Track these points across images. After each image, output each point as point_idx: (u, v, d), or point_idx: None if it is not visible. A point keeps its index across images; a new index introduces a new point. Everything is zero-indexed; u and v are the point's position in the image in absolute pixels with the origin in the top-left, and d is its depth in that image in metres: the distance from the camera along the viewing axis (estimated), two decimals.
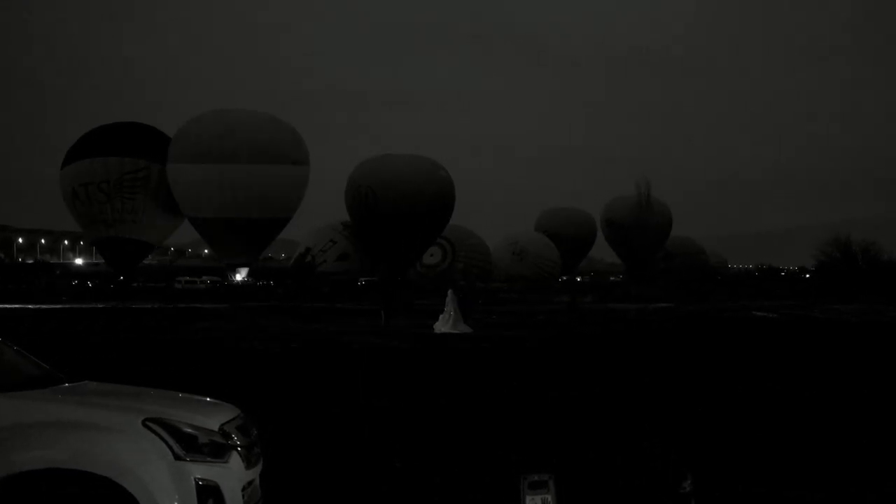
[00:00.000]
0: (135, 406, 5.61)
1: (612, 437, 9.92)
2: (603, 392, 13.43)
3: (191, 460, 5.36)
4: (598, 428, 10.47)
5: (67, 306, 44.54)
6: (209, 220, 76.30)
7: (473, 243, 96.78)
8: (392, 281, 75.74)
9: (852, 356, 19.22)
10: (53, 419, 5.29)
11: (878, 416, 11.46)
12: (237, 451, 5.68)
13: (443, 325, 29.23)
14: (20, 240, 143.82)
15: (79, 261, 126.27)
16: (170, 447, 5.32)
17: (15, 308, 41.44)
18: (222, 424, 5.71)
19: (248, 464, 5.78)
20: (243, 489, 5.64)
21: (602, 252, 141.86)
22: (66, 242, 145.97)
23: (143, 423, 5.34)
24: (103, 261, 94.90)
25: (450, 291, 30.98)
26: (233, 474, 5.57)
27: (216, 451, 5.53)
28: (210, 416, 5.75)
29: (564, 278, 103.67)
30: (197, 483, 5.32)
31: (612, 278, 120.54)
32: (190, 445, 5.40)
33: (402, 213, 78.90)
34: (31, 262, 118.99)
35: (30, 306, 43.32)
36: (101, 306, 44.49)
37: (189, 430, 5.45)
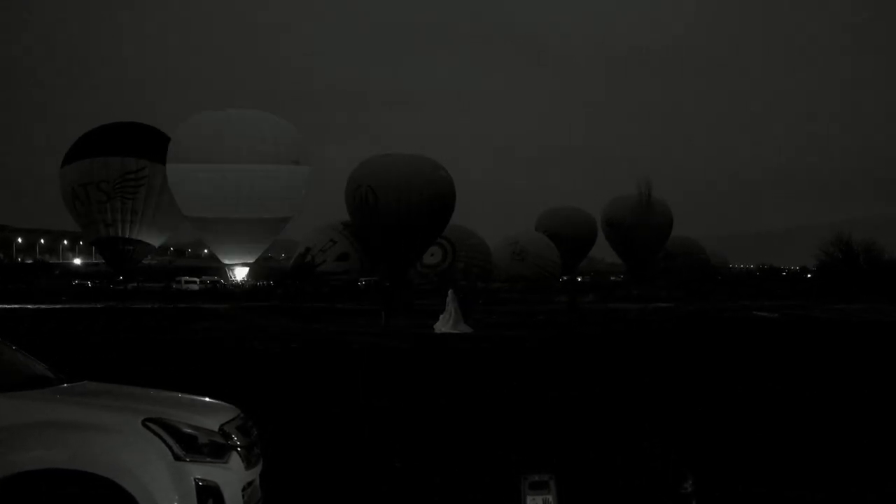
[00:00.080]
0: (134, 406, 5.61)
1: (613, 437, 9.91)
2: (603, 392, 13.43)
3: (190, 461, 5.36)
4: (598, 428, 10.46)
5: (67, 306, 44.52)
6: (209, 220, 76.31)
7: (474, 243, 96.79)
8: (392, 281, 75.76)
9: (853, 356, 19.21)
10: (53, 419, 5.29)
11: (878, 416, 11.46)
12: (237, 451, 5.67)
13: (443, 325, 29.22)
14: (19, 240, 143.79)
15: (77, 261, 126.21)
16: (169, 447, 5.31)
17: (14, 308, 41.42)
18: (222, 425, 5.70)
19: (248, 464, 5.78)
20: (243, 489, 5.64)
21: (602, 252, 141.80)
22: (65, 242, 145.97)
23: (143, 424, 5.34)
24: (102, 261, 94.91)
25: (450, 291, 30.98)
26: (233, 475, 5.56)
27: (216, 451, 5.52)
28: (210, 417, 5.75)
29: (565, 278, 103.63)
30: (197, 483, 5.31)
31: (612, 278, 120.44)
32: (190, 446, 5.39)
33: (403, 212, 78.90)
34: (30, 262, 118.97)
35: (29, 306, 43.30)
36: (100, 306, 44.47)
37: (189, 431, 5.44)
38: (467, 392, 13.56)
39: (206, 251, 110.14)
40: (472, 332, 28.53)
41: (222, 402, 6.34)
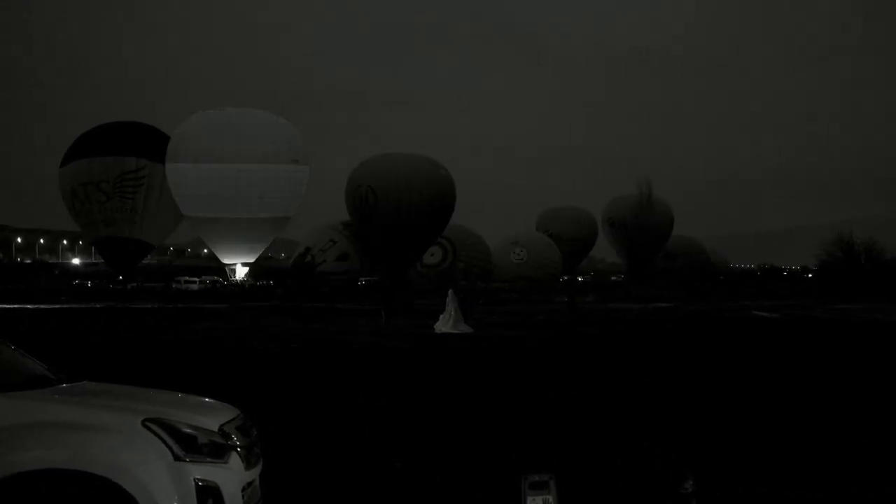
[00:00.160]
0: (134, 406, 5.60)
1: (613, 437, 9.91)
2: (603, 392, 13.43)
3: (190, 461, 5.35)
4: (598, 428, 10.46)
5: (67, 306, 44.52)
6: (209, 220, 76.28)
7: (474, 243, 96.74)
8: (392, 281, 75.72)
9: (853, 356, 19.21)
10: (53, 419, 5.29)
11: (878, 416, 11.46)
12: (237, 451, 5.67)
13: (443, 325, 29.20)
14: (19, 239, 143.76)
15: (76, 261, 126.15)
16: (169, 447, 5.31)
17: (14, 308, 41.41)
18: (222, 425, 5.70)
19: (248, 464, 5.77)
20: (243, 490, 5.63)
21: (603, 252, 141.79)
22: (64, 242, 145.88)
23: (143, 424, 5.34)
24: (102, 261, 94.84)
25: (450, 291, 30.95)
26: (232, 475, 5.56)
27: (216, 451, 5.52)
28: (210, 417, 5.74)
29: (565, 278, 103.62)
30: (196, 483, 5.31)
31: (612, 278, 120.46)
32: (189, 446, 5.39)
33: (403, 212, 78.83)
34: (28, 262, 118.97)
35: (29, 306, 43.29)
36: (100, 306, 44.46)
37: (188, 431, 5.44)
38: (467, 392, 13.56)
39: (205, 251, 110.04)
40: (472, 332, 28.51)
41: (222, 403, 6.34)
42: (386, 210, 79.40)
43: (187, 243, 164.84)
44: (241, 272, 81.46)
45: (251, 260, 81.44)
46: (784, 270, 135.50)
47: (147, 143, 78.97)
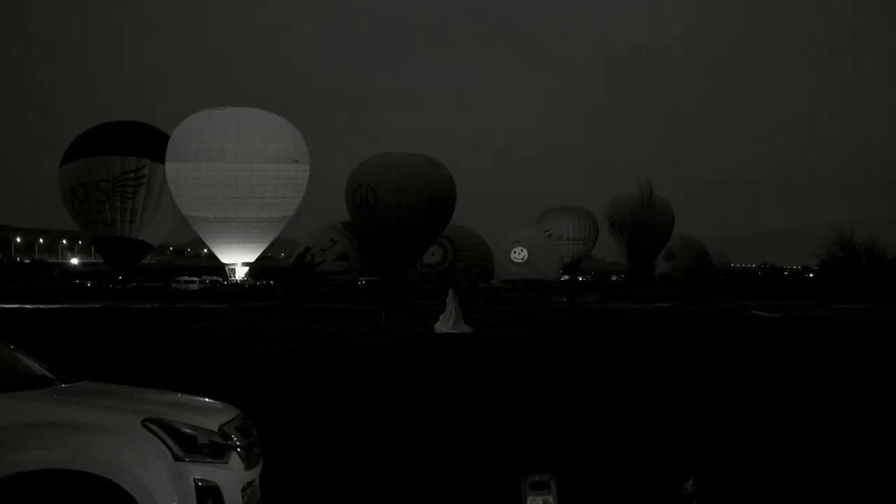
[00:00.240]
0: (134, 406, 5.60)
1: (613, 437, 9.91)
2: (603, 392, 13.43)
3: (190, 461, 5.35)
4: (598, 428, 10.46)
5: (66, 306, 44.52)
6: (208, 220, 76.27)
7: (474, 243, 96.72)
8: (392, 281, 75.72)
9: (853, 356, 19.20)
10: (52, 419, 5.28)
11: (878, 416, 11.45)
12: (237, 451, 5.66)
13: (443, 325, 29.18)
14: (18, 239, 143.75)
15: (75, 260, 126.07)
16: (169, 448, 5.31)
17: (14, 308, 41.41)
18: (222, 425, 5.69)
19: (248, 464, 5.77)
20: (243, 490, 5.63)
21: (604, 252, 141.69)
22: (64, 242, 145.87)
23: (142, 424, 5.33)
24: (101, 260, 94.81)
25: (450, 291, 30.94)
26: (232, 475, 5.55)
27: (216, 451, 5.51)
28: (209, 417, 5.74)
29: (566, 278, 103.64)
30: (196, 484, 5.31)
31: (613, 278, 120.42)
32: (189, 446, 5.39)
33: (403, 212, 78.83)
34: (28, 261, 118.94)
35: (28, 306, 43.28)
36: (99, 306, 44.46)
37: (188, 431, 5.43)
38: (467, 392, 13.56)
39: (205, 251, 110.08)
40: (472, 332, 28.50)
41: (222, 403, 6.34)
42: (386, 210, 79.39)
43: (187, 243, 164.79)
44: (240, 272, 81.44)
45: (251, 260, 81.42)
46: (785, 270, 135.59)
47: (147, 142, 78.95)
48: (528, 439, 9.72)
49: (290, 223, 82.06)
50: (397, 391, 13.43)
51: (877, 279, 62.81)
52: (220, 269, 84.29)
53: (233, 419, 5.93)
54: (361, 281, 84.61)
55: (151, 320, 33.51)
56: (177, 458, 5.31)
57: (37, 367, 6.33)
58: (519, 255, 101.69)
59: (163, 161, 76.60)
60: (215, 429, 5.60)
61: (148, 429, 5.32)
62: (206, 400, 6.42)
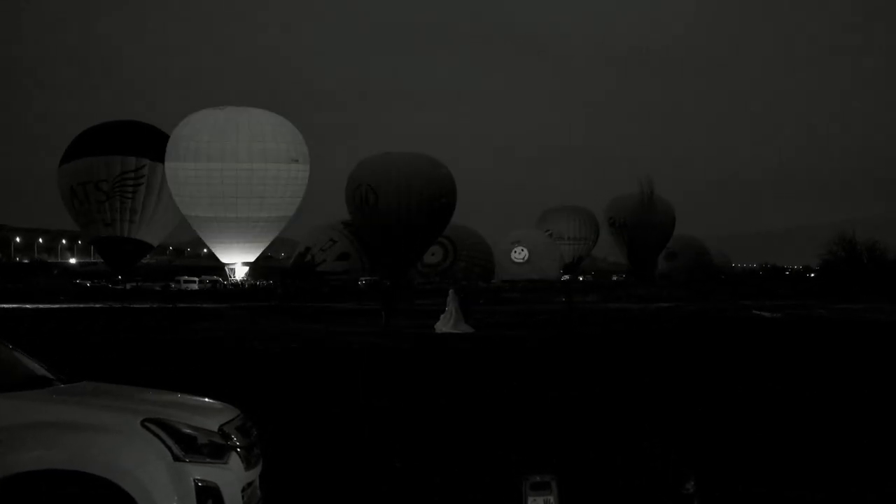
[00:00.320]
0: (133, 406, 5.60)
1: (613, 437, 9.90)
2: (603, 392, 13.42)
3: (190, 461, 5.35)
4: (598, 428, 10.45)
5: (66, 306, 44.51)
6: (208, 219, 76.29)
7: (475, 242, 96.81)
8: (393, 280, 75.73)
9: (854, 356, 19.20)
10: (52, 420, 5.28)
11: (878, 416, 11.45)
12: (237, 451, 5.66)
13: (444, 325, 29.18)
14: (17, 239, 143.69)
15: (73, 260, 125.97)
16: (169, 448, 5.30)
17: (13, 308, 41.40)
18: (222, 425, 5.69)
19: (248, 465, 5.76)
20: (243, 490, 5.63)
21: (605, 251, 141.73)
22: (63, 242, 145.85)
23: (142, 424, 5.33)
24: (100, 260, 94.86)
25: (451, 291, 30.94)
26: (232, 475, 5.55)
27: (215, 451, 5.51)
28: (209, 417, 5.73)
29: (566, 277, 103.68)
30: (196, 484, 5.30)
31: (614, 277, 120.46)
32: (189, 446, 5.38)
33: (403, 211, 78.86)
34: (27, 261, 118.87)
35: (28, 306, 43.27)
36: (99, 306, 44.45)
37: (188, 431, 5.43)
38: (467, 392, 13.55)
39: (205, 250, 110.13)
40: (472, 332, 28.49)
41: (222, 403, 6.33)
42: (386, 209, 79.39)
43: (187, 243, 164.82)
44: (240, 272, 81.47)
45: (251, 260, 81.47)
46: (786, 270, 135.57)
47: (147, 142, 78.97)
48: (529, 439, 9.71)
49: (290, 223, 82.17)
50: (397, 391, 13.42)
51: (878, 279, 62.78)
52: (220, 268, 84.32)
53: (233, 419, 5.92)
54: (361, 281, 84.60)
55: (151, 320, 33.50)
56: (176, 459, 5.30)
57: (36, 367, 6.32)
58: (519, 254, 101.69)
59: (163, 161, 76.61)
60: (215, 429, 5.60)
61: (148, 429, 5.32)
62: (206, 400, 6.41)
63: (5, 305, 43.05)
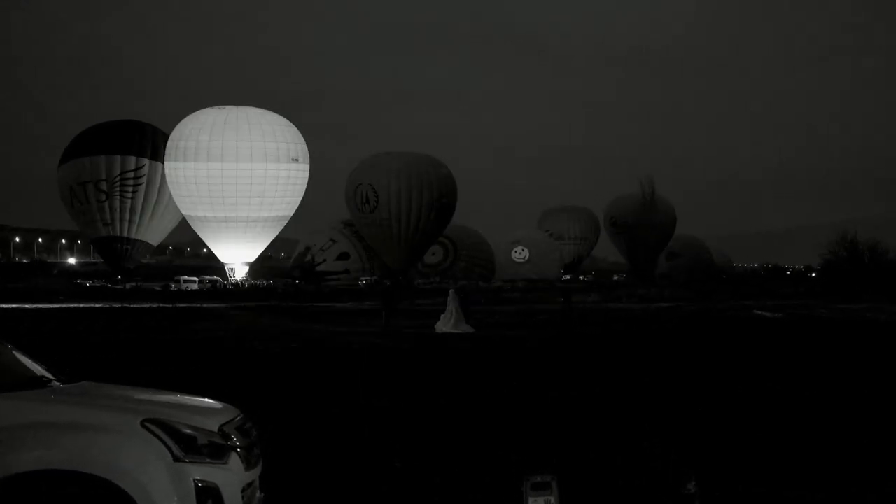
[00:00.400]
0: (133, 407, 5.59)
1: (613, 437, 9.90)
2: (603, 392, 13.42)
3: (190, 461, 5.34)
4: (598, 428, 10.45)
5: (66, 306, 44.50)
6: (208, 219, 76.26)
7: (475, 242, 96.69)
8: (393, 280, 75.73)
9: (854, 356, 19.20)
10: (52, 420, 5.28)
11: (878, 416, 11.45)
12: (236, 452, 5.65)
13: (444, 325, 29.18)
14: (17, 239, 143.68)
15: (72, 260, 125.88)
16: (168, 448, 5.30)
17: (13, 308, 41.38)
18: (222, 425, 5.68)
19: (248, 465, 5.76)
20: (243, 490, 5.62)
21: (605, 251, 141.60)
22: (63, 242, 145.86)
23: (142, 424, 5.33)
24: (100, 260, 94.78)
25: (451, 291, 30.94)
26: (232, 475, 5.54)
27: (215, 452, 5.50)
28: (209, 417, 5.73)
29: (567, 277, 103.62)
30: (196, 484, 5.30)
31: (615, 277, 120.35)
32: (189, 446, 5.38)
33: (404, 211, 78.80)
34: (27, 261, 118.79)
35: (27, 306, 43.27)
36: (99, 306, 44.44)
37: (188, 431, 5.42)
38: (467, 392, 13.55)
39: (205, 250, 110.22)
40: (473, 332, 28.49)
41: (222, 403, 6.33)
42: (386, 209, 79.34)
43: (187, 243, 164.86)
44: (240, 272, 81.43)
45: (251, 259, 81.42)
46: (787, 270, 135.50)
47: (146, 141, 78.88)
48: (529, 440, 9.71)
49: (290, 222, 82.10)
50: (397, 391, 13.42)
51: (879, 279, 62.74)
52: (220, 268, 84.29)
53: (232, 419, 5.92)
54: (361, 281, 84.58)
55: (151, 320, 33.50)
56: (176, 459, 5.30)
57: (36, 368, 6.31)
58: (520, 254, 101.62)
59: (162, 160, 76.56)
60: (215, 429, 5.59)
61: (147, 429, 5.31)
62: (206, 400, 6.41)
63: (5, 305, 43.03)
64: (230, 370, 16.06)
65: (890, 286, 57.35)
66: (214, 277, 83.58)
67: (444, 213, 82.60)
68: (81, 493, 5.09)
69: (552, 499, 6.38)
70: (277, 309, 43.08)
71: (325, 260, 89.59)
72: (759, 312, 39.45)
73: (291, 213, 79.82)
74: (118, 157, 77.84)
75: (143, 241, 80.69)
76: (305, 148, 79.99)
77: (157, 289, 72.60)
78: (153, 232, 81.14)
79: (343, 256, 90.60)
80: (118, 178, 77.71)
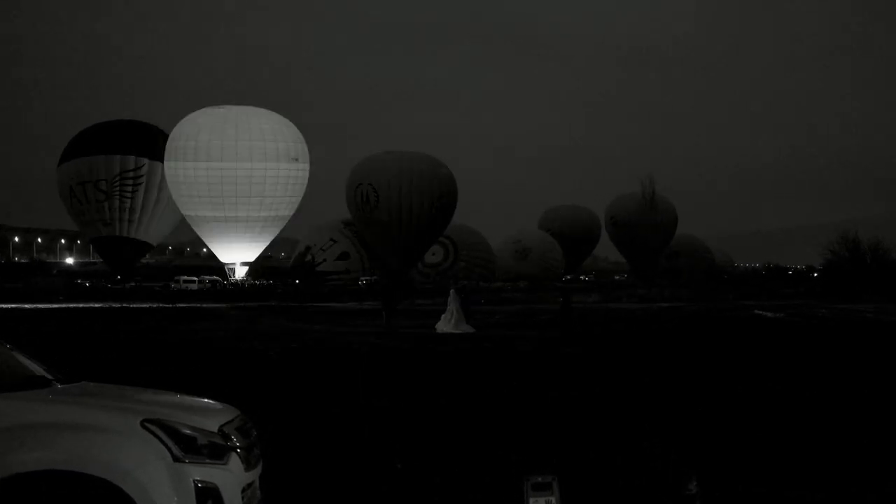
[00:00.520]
0: (133, 407, 5.58)
1: (613, 437, 9.89)
2: (603, 392, 13.41)
3: (190, 462, 5.34)
4: (598, 428, 10.44)
5: (65, 306, 44.51)
6: (208, 219, 76.25)
7: (476, 242, 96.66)
8: (393, 280, 75.70)
9: (855, 356, 19.19)
10: (51, 420, 5.27)
11: (878, 416, 11.44)
12: (236, 452, 5.65)
13: (444, 325, 29.16)
14: (16, 239, 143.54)
15: (70, 260, 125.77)
16: (168, 448, 5.29)
17: (12, 308, 41.38)
18: (221, 425, 5.68)
19: (248, 465, 5.75)
20: (243, 491, 5.62)
21: (606, 251, 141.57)
22: (62, 241, 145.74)
23: (142, 424, 5.32)
24: (99, 260, 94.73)
25: (451, 291, 30.93)
26: (232, 476, 5.54)
27: (215, 452, 5.50)
28: (209, 417, 5.72)
29: (568, 277, 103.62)
30: (196, 485, 5.29)
31: (616, 277, 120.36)
32: (189, 447, 5.37)
33: (404, 211, 78.73)
34: (26, 261, 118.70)
35: (27, 306, 43.27)
36: (98, 306, 44.44)
37: (188, 432, 5.42)
38: (468, 392, 13.54)
39: (204, 250, 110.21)
40: (473, 332, 28.47)
41: (222, 403, 6.32)
42: (387, 209, 79.28)
43: (186, 242, 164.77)
44: (240, 272, 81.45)
45: (251, 259, 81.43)
46: (789, 270, 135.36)
47: (146, 141, 78.86)
48: (529, 439, 9.70)
49: (290, 222, 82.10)
50: (397, 391, 13.41)
51: (881, 279, 62.63)
52: (220, 268, 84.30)
53: (232, 420, 5.91)
54: (362, 281, 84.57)
55: (151, 320, 33.49)
56: (176, 459, 5.29)
57: (35, 368, 6.31)
58: (520, 255, 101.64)
59: (162, 160, 76.52)
60: (215, 429, 5.58)
61: (147, 429, 5.31)
62: (206, 400, 6.40)
63: (4, 305, 43.04)
64: (230, 370, 16.05)
65: (892, 286, 57.28)
66: (214, 277, 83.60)
67: (444, 212, 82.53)
68: (81, 493, 5.08)
69: (553, 499, 6.37)
70: (277, 309, 43.08)
71: (325, 260, 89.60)
72: (760, 312, 39.42)
73: (291, 213, 79.83)
74: (118, 157, 77.81)
75: (142, 241, 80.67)
76: (305, 147, 80.00)
77: (157, 288, 72.61)
78: (153, 232, 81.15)
79: (343, 256, 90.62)
80: (118, 178, 77.68)
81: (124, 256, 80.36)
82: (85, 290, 66.49)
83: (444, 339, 26.00)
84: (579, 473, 7.96)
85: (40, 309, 40.60)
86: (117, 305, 44.57)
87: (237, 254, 79.76)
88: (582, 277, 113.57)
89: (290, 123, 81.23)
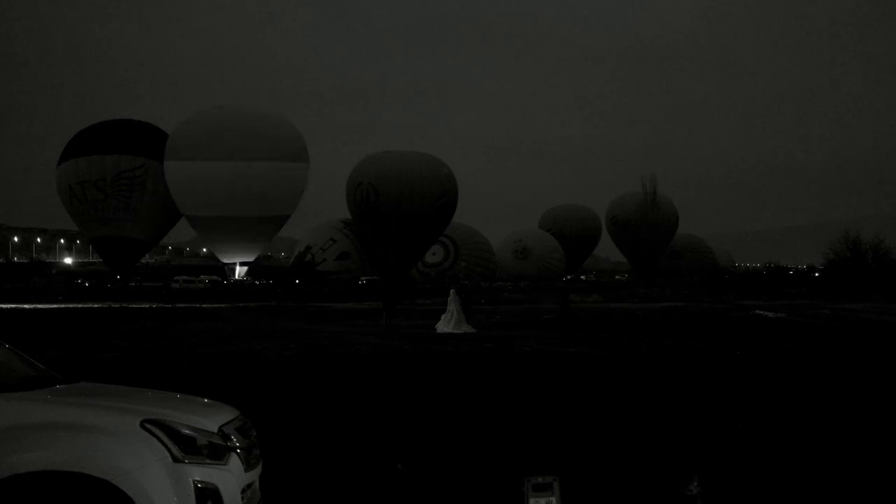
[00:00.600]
0: (132, 407, 5.56)
1: (614, 437, 9.87)
2: (603, 392, 13.38)
3: (189, 462, 5.32)
4: (598, 428, 10.41)
5: (65, 306, 44.49)
6: (207, 219, 76.25)
7: (476, 242, 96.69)
8: (393, 280, 75.69)
9: (856, 356, 19.17)
10: (50, 421, 5.25)
11: (878, 416, 11.41)
12: (236, 452, 5.63)
13: (445, 325, 29.14)
14: (15, 238, 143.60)
15: (68, 260, 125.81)
16: (168, 449, 5.28)
17: (11, 308, 41.35)
18: (221, 426, 5.66)
19: (248, 466, 5.74)
20: (242, 491, 5.60)
21: (607, 251, 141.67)
22: (62, 241, 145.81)
23: (141, 425, 5.31)
24: (98, 259, 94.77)
25: (452, 291, 30.91)
26: (232, 476, 5.53)
27: (215, 452, 5.48)
28: (209, 418, 5.71)
29: (569, 277, 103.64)
30: (195, 485, 5.28)
31: (617, 277, 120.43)
32: (188, 447, 5.36)
33: (404, 210, 78.68)
34: (25, 261, 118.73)
35: (26, 306, 43.25)
36: (97, 306, 44.42)
37: (187, 432, 5.40)
38: (468, 392, 13.51)
39: (204, 250, 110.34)
40: (474, 332, 28.44)
41: (221, 403, 6.30)
42: (387, 208, 79.23)
43: (186, 242, 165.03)
44: (240, 271, 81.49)
45: (250, 259, 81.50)
46: (790, 270, 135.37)
47: (145, 141, 78.88)
48: (529, 440, 9.68)
49: (290, 222, 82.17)
50: (398, 391, 13.38)
51: (883, 279, 62.60)
52: (220, 268, 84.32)
53: (232, 420, 5.89)
54: (362, 280, 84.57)
55: (151, 320, 33.46)
56: (176, 460, 5.28)
57: (34, 368, 6.29)
58: (521, 254, 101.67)
59: (161, 160, 76.53)
60: (215, 430, 5.57)
61: (147, 430, 5.29)
62: (205, 400, 6.39)
63: (3, 305, 43.01)
64: (229, 371, 16.01)
65: (893, 286, 57.27)
66: (214, 277, 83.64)
67: (445, 212, 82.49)
68: (80, 494, 5.08)
69: (553, 499, 6.35)
70: (277, 309, 43.07)
71: (325, 260, 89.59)
72: (762, 312, 39.40)
73: (291, 213, 79.89)
74: (117, 157, 77.81)
75: (142, 241, 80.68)
76: (305, 147, 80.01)
77: (157, 288, 72.63)
78: (152, 232, 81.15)
79: (343, 256, 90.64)
80: (117, 178, 77.68)
81: (124, 256, 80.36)
82: (84, 290, 66.44)
83: (444, 339, 25.98)
84: (580, 474, 7.93)
85: (39, 309, 40.56)
86: (116, 305, 44.53)
87: (237, 254, 79.81)
88: (583, 277, 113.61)
89: (290, 123, 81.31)
